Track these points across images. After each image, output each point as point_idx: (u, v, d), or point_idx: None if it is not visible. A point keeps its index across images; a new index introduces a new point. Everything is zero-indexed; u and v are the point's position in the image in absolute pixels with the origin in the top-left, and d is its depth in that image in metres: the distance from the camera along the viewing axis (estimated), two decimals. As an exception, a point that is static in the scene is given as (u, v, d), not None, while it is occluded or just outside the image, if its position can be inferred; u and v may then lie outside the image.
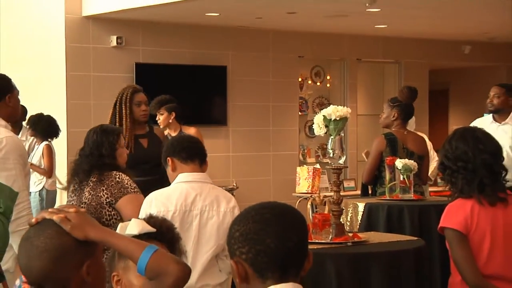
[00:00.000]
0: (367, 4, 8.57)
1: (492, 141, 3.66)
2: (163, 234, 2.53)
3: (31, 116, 8.94)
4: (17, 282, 2.21)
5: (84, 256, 2.07)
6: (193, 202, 3.96)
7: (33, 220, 2.13)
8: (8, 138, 4.03)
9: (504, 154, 5.74)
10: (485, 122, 6.36)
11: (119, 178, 4.38)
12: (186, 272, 2.03)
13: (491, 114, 6.59)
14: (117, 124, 5.61)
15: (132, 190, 4.34)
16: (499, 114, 6.51)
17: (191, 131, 6.78)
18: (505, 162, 5.57)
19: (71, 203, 4.46)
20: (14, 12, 10.40)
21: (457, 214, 3.51)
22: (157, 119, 6.85)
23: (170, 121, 6.80)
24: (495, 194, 3.56)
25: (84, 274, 2.06)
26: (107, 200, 4.32)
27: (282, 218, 1.99)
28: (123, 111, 5.71)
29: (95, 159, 4.43)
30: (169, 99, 6.97)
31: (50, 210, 2.13)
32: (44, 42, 9.87)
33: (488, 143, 3.62)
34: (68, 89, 9.53)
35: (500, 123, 6.48)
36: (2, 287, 2.97)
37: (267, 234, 1.96)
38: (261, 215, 1.99)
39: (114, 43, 9.78)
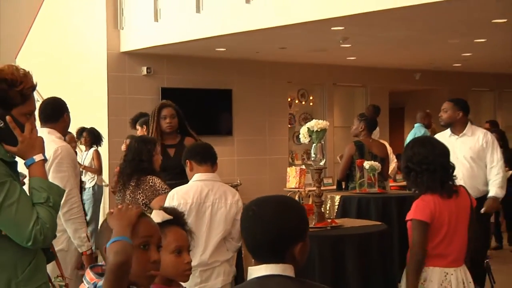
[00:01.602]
0: (340, 41, 8.60)
1: (444, 146, 3.60)
2: (178, 218, 2.53)
3: (83, 128, 8.94)
4: None
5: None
6: (206, 196, 3.92)
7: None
8: (62, 147, 4.01)
9: (463, 163, 5.62)
10: (445, 135, 5.63)
11: (152, 182, 4.30)
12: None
13: (448, 128, 5.69)
14: (151, 134, 5.26)
15: (162, 191, 4.25)
16: (456, 127, 5.63)
17: None
18: (464, 170, 5.56)
19: (118, 201, 4.42)
20: (67, 49, 10.43)
21: (424, 209, 3.45)
22: (138, 133, 6.06)
23: (145, 132, 5.92)
24: (451, 188, 3.51)
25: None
26: (143, 202, 4.26)
27: (257, 220, 1.91)
28: (152, 124, 5.34)
29: (136, 163, 4.35)
30: (139, 116, 6.43)
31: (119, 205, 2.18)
32: (91, 72, 9.89)
33: (442, 148, 3.57)
34: (109, 108, 9.52)
35: (458, 135, 5.63)
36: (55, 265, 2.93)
37: (245, 232, 1.95)
38: (246, 215, 1.96)
39: (144, 72, 9.78)
